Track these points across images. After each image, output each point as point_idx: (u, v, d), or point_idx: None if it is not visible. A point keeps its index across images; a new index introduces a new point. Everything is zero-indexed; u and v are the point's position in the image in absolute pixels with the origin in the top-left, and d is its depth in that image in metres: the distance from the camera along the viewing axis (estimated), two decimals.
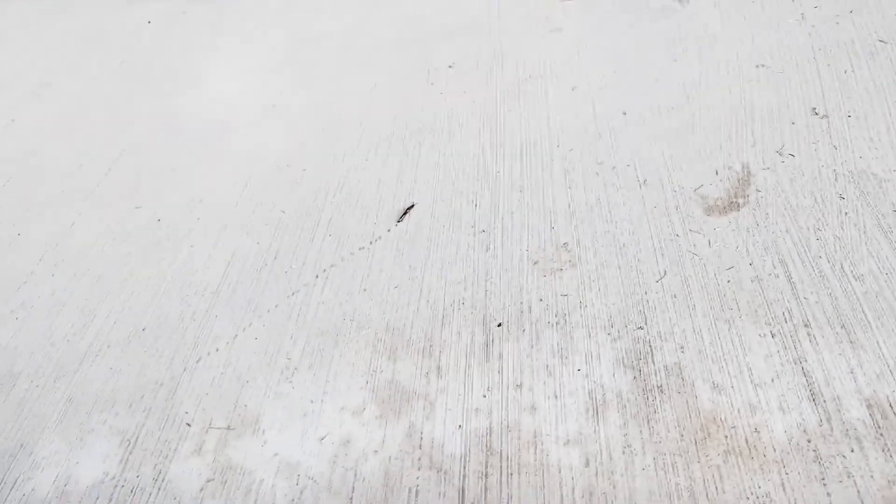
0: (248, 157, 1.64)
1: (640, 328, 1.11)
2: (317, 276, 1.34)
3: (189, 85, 1.91)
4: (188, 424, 1.14)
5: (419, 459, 1.02)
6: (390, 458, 1.03)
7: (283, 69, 1.89)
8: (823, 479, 0.90)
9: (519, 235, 1.32)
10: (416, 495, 0.99)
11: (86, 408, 1.19)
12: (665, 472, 0.94)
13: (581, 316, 1.15)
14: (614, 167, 1.41)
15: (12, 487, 1.10)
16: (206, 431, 1.12)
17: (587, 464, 0.97)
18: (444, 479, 0.99)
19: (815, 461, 0.92)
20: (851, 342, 1.02)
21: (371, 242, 1.38)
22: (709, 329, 1.08)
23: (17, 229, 1.56)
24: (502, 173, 1.47)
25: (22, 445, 1.16)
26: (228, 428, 1.12)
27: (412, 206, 1.43)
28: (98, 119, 1.86)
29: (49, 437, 1.16)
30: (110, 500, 1.06)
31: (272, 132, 1.70)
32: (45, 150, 1.79)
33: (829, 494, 0.89)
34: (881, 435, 0.93)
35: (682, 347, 1.07)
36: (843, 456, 0.92)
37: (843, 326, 1.04)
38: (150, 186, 1.61)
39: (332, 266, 1.35)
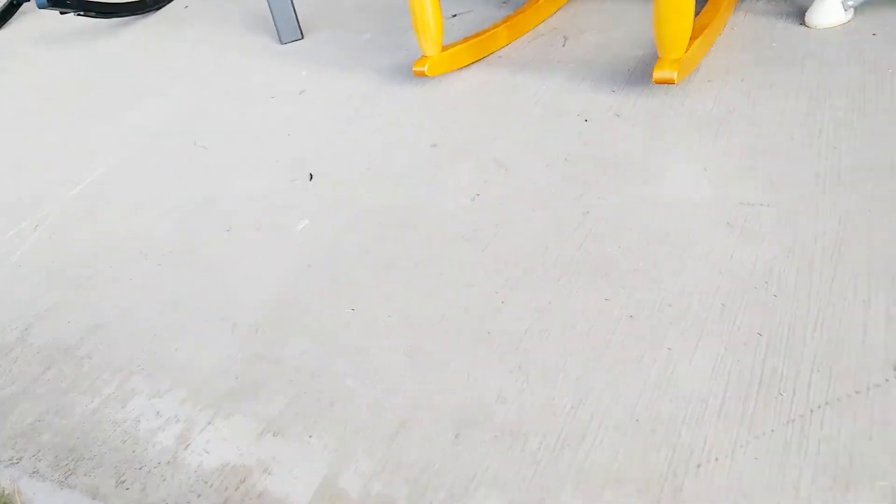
0: (717, 268, 1.75)
1: None
2: (811, 411, 1.39)
3: (643, 182, 2.10)
4: None
5: None
6: None
7: (744, 179, 1.98)
8: None
9: None
10: None
11: (598, 482, 1.38)
12: None
13: None
14: None
15: None
16: None
17: None
18: None
19: None
20: None
21: (868, 389, 1.40)
22: None
23: (501, 297, 1.86)
24: None
25: (543, 500, 1.37)
26: None
27: None
28: (555, 206, 2.13)
29: (565, 499, 1.36)
30: None
31: (739, 245, 1.79)
32: (510, 223, 2.10)
33: None
34: None
35: None
36: None
37: None
38: (619, 280, 1.81)
39: (826, 404, 1.39)
